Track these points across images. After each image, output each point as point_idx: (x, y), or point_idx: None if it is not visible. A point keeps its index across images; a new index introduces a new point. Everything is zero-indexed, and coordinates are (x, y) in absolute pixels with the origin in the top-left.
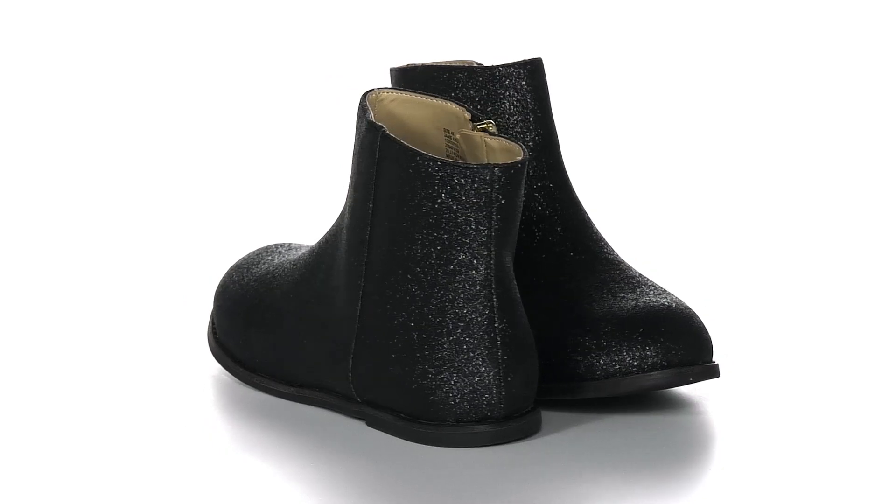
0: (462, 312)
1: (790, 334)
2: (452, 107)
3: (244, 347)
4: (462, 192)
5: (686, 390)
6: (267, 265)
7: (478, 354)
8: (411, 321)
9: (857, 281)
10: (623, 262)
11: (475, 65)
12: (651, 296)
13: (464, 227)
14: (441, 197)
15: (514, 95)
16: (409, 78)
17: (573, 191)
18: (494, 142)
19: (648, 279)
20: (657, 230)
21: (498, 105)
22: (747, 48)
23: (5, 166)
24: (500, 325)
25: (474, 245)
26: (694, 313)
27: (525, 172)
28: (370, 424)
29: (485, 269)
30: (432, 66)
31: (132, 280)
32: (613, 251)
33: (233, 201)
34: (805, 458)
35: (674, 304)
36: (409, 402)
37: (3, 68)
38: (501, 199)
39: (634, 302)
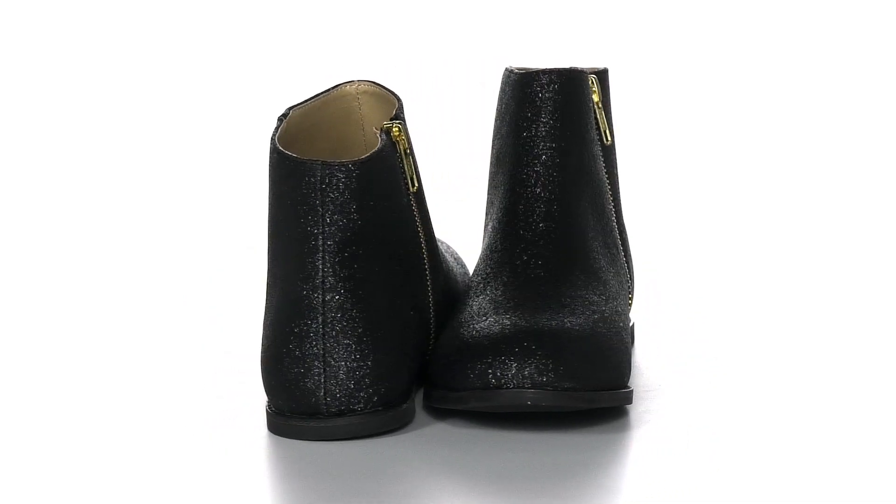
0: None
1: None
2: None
3: None
4: (286, 188)
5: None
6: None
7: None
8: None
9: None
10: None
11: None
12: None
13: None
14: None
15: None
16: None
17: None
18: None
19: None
20: (654, 229)
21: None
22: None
23: (5, 166)
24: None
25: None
26: (597, 335)
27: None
28: None
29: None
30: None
31: (131, 280)
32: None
33: (233, 202)
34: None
35: (577, 327)
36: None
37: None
38: (330, 196)
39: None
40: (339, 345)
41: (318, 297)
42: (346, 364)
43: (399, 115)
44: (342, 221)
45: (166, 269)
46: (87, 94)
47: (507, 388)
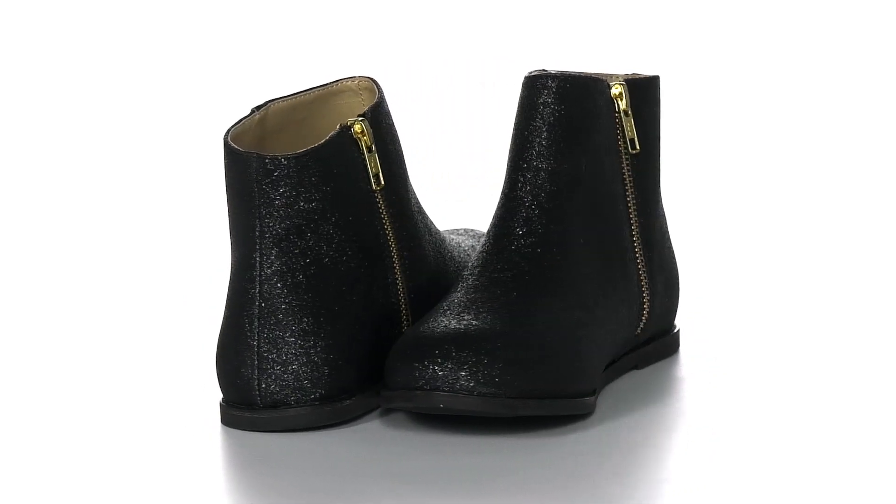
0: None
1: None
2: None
3: None
4: (230, 178)
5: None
6: None
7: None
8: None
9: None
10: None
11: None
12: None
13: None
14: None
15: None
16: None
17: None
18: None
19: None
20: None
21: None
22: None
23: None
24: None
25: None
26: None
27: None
28: None
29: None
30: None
31: (129, 281)
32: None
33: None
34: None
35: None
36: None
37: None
38: (265, 189)
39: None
40: (274, 337)
41: (254, 289)
42: (281, 357)
43: (372, 113)
44: (278, 214)
45: (165, 267)
46: (88, 94)
47: (423, 389)
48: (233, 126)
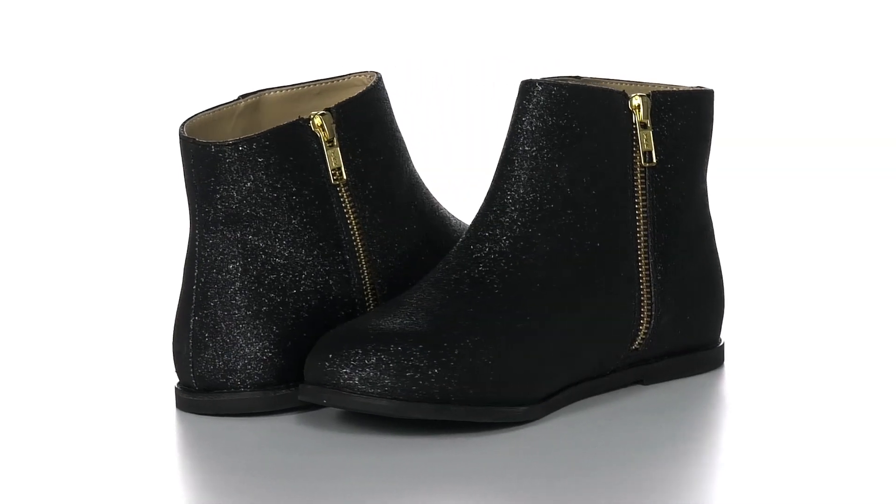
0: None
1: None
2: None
3: None
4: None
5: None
6: None
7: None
8: None
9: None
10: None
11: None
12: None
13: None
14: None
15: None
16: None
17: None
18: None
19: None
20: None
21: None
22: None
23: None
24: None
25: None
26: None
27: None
28: None
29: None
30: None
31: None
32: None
33: None
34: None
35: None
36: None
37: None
38: (205, 180)
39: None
40: (208, 322)
41: (193, 272)
42: (215, 341)
43: (343, 107)
44: (215, 199)
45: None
46: (89, 93)
47: (333, 386)
48: (205, 111)
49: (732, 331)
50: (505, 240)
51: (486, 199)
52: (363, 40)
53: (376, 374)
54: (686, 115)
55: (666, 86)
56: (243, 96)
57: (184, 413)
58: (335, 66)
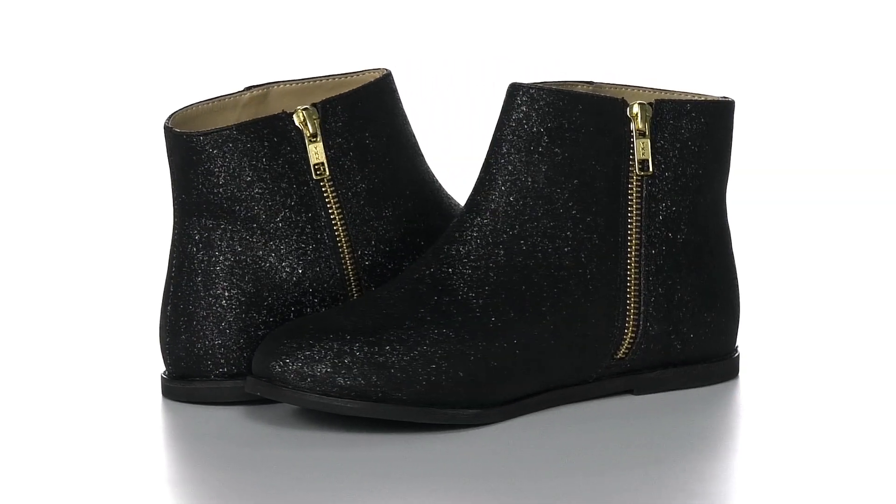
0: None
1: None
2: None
3: None
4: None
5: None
6: None
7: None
8: None
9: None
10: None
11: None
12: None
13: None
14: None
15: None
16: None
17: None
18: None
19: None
20: None
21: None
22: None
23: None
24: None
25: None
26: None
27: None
28: None
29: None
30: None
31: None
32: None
33: None
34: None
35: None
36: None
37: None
38: (183, 168)
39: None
40: (186, 311)
41: (173, 259)
42: (191, 330)
43: (331, 103)
44: (192, 189)
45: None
46: (90, 94)
47: (272, 381)
48: (203, 101)
49: (750, 342)
50: (474, 241)
51: (466, 201)
52: (382, 38)
53: (308, 367)
54: (695, 125)
55: (684, 94)
56: (250, 88)
57: (167, 401)
58: (354, 63)
